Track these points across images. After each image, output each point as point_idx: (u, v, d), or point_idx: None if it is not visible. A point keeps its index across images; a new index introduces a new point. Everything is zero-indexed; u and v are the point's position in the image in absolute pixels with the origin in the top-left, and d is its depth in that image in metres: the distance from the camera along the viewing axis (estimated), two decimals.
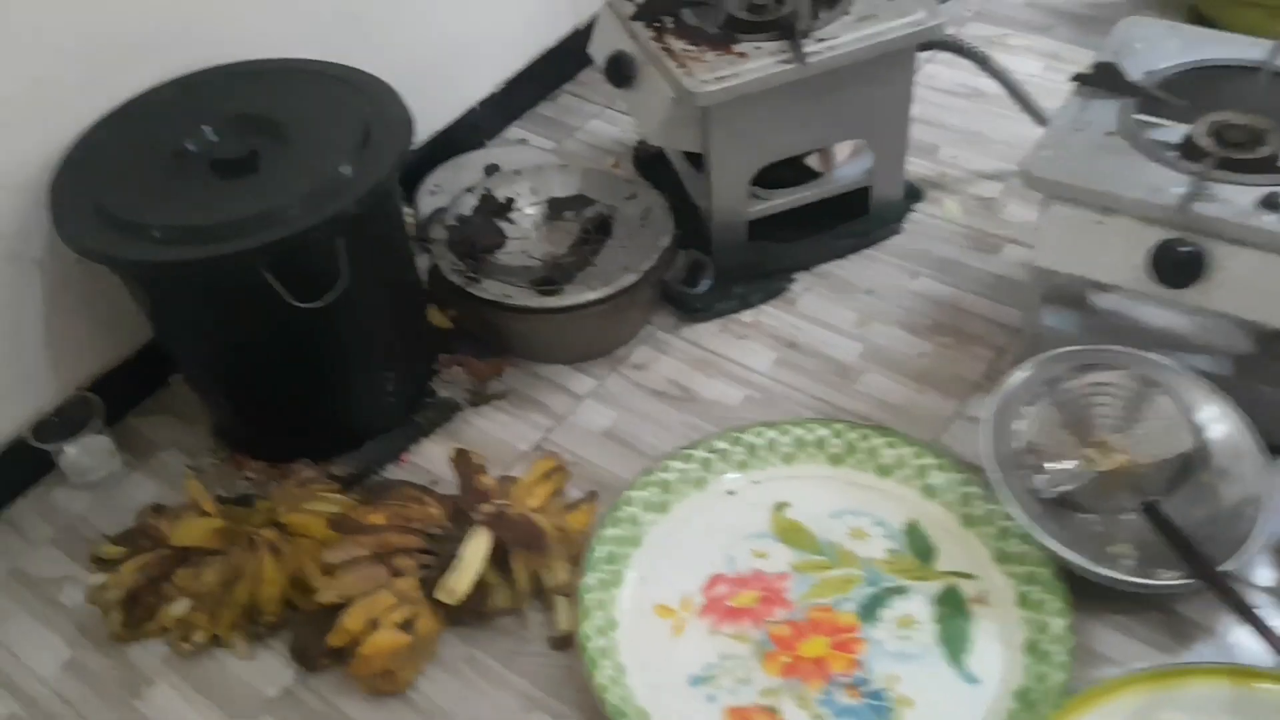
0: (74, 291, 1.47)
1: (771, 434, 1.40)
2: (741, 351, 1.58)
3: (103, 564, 1.33)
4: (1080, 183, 1.25)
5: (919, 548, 1.30)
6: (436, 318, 1.58)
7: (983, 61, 1.70)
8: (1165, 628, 1.22)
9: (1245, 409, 1.28)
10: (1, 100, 1.32)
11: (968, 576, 1.27)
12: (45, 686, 1.30)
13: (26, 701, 1.28)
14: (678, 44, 1.51)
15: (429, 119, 1.76)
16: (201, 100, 1.39)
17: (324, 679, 1.26)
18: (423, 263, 1.61)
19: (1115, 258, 1.25)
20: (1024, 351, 1.48)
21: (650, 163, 1.86)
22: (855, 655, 1.21)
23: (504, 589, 1.25)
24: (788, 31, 1.48)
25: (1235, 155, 1.24)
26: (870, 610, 1.24)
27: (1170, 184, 1.23)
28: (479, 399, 1.53)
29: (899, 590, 1.26)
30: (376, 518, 1.26)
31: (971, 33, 2.03)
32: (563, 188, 1.69)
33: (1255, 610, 1.18)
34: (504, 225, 1.65)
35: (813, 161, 1.72)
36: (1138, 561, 1.24)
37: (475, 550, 1.21)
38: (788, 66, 1.45)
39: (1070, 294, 1.45)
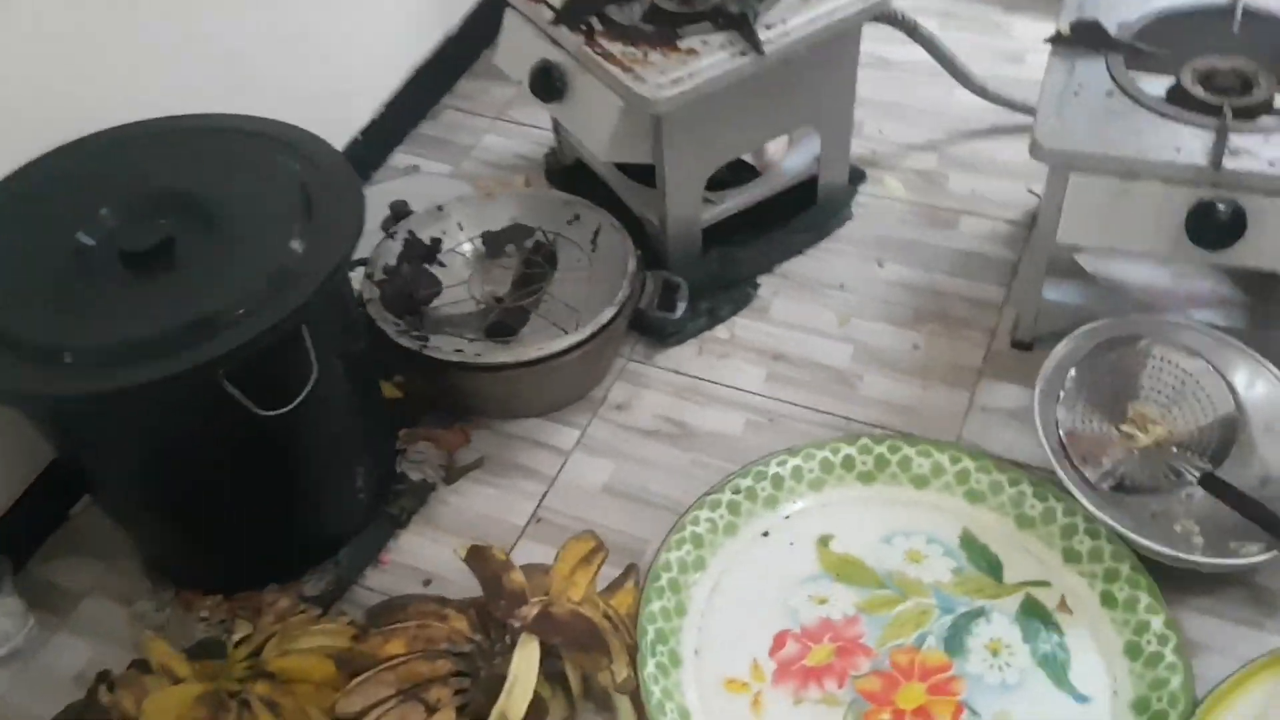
0: None
1: (795, 461, 1.28)
2: (727, 372, 1.44)
3: None
4: (1099, 150, 1.18)
5: (982, 561, 1.21)
6: (387, 389, 1.38)
7: (912, 30, 1.61)
8: (1251, 603, 1.17)
9: (1271, 359, 1.25)
10: None
11: (1042, 584, 1.18)
12: None
13: None
14: (614, 46, 1.35)
15: None
16: (88, 177, 1.13)
17: None
18: None
19: (1146, 225, 1.18)
20: (1025, 330, 1.41)
21: (566, 176, 1.69)
22: (958, 697, 1.10)
23: (559, 700, 1.08)
24: (733, 21, 1.34)
25: (1239, 103, 1.19)
26: (956, 642, 1.14)
27: (1189, 141, 1.16)
28: (453, 474, 1.34)
29: (978, 613, 1.17)
30: (395, 646, 1.07)
31: None
32: (494, 219, 1.50)
33: None
34: (435, 270, 1.46)
35: (748, 158, 1.60)
36: (1204, 537, 1.19)
37: (527, 665, 1.04)
38: (744, 59, 1.32)
39: (1066, 264, 1.39)
